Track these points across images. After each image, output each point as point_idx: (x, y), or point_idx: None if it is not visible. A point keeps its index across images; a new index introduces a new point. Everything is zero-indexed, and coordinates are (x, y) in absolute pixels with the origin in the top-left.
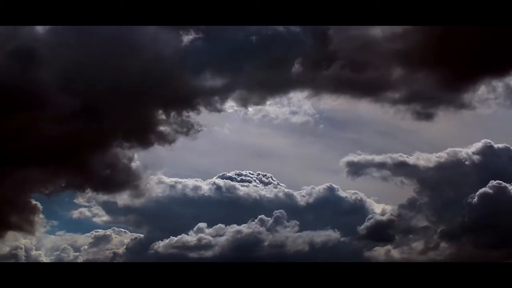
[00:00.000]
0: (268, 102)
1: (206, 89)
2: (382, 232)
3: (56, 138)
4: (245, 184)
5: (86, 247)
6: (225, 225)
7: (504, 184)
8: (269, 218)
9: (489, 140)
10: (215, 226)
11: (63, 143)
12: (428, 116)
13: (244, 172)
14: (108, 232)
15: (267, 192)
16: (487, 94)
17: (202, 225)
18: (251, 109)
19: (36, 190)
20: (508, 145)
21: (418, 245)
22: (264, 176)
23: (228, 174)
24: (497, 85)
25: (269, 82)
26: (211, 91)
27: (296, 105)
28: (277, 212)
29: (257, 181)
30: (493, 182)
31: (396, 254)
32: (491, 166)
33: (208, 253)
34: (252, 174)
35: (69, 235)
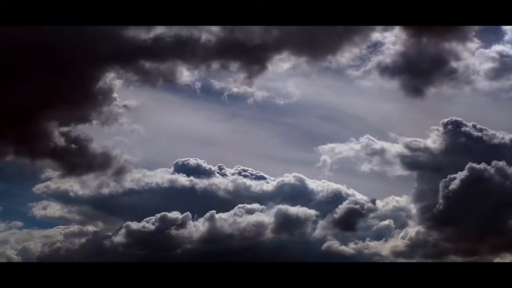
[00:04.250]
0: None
1: None
2: (353, 222)
3: None
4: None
5: (61, 242)
6: (195, 215)
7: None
8: (241, 208)
9: (460, 119)
10: (182, 216)
11: None
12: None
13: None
14: (67, 226)
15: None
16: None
17: (167, 215)
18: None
19: None
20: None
21: (393, 233)
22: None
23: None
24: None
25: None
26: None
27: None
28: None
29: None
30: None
31: (364, 245)
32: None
33: (179, 245)
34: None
35: (27, 230)
